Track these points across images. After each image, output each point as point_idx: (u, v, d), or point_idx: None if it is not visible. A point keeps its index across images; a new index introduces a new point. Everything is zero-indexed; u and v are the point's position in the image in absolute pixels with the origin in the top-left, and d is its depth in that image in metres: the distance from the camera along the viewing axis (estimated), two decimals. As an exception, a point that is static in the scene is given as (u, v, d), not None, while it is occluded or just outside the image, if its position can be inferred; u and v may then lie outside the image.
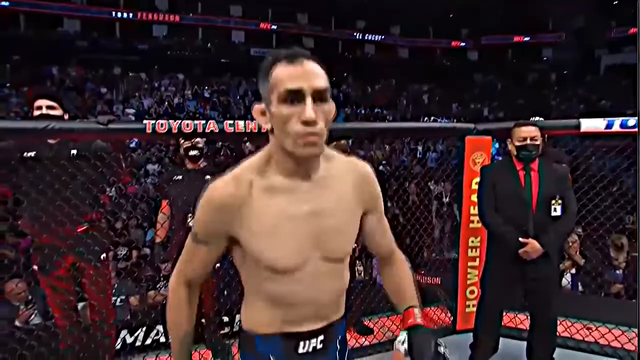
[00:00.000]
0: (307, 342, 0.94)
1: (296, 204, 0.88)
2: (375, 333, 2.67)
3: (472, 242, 2.59)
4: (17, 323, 2.98)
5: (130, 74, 17.74)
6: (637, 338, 1.85)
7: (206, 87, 17.37)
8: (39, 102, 2.00)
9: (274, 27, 22.29)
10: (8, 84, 14.27)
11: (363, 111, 18.04)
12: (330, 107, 0.85)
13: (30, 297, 3.15)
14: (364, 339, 2.61)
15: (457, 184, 2.64)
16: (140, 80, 17.48)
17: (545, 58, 23.92)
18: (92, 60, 17.74)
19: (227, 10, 21.73)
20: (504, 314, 2.36)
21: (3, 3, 18.06)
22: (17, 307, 3.06)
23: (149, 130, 1.88)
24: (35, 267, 2.06)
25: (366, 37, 24.56)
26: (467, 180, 2.55)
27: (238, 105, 16.39)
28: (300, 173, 0.88)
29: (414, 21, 23.61)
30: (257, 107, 0.88)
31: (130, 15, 20.33)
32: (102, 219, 2.19)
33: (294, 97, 0.80)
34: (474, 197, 2.43)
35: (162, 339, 2.65)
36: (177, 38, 20.90)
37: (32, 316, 3.04)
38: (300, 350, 0.94)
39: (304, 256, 0.89)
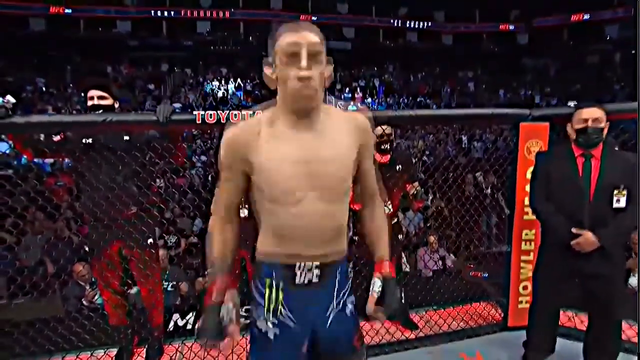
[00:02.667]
0: (304, 273, 1.09)
1: (297, 149, 1.04)
2: (421, 328, 2.61)
3: (526, 235, 2.44)
4: (84, 301, 3.24)
5: (177, 70, 18.44)
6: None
7: (248, 80, 17.70)
8: (91, 93, 2.15)
9: (314, 18, 22.24)
10: (70, 84, 15.33)
11: (405, 100, 17.63)
12: (326, 69, 1.02)
13: (93, 279, 3.40)
14: (410, 332, 2.56)
15: (510, 174, 2.50)
16: (186, 76, 18.14)
17: (608, 37, 21.88)
18: (142, 58, 18.63)
19: (267, 3, 21.93)
20: (563, 312, 2.21)
21: (67, 11, 19.40)
22: (83, 288, 3.33)
23: (199, 121, 1.93)
24: (92, 251, 2.21)
25: (408, 25, 23.89)
26: (522, 169, 2.40)
27: (279, 96, 16.60)
28: (301, 124, 1.05)
29: (459, 6, 22.64)
30: (266, 70, 1.05)
31: (174, 13, 21.06)
32: (152, 205, 2.29)
33: (292, 58, 0.97)
34: (528, 188, 2.29)
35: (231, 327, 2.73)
36: (220, 33, 21.42)
37: (96, 296, 3.28)
38: (298, 281, 1.09)
39: (300, 192, 1.04)
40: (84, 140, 2.09)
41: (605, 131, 1.89)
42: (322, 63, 1.01)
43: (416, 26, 23.92)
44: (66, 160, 2.11)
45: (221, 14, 21.55)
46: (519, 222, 2.43)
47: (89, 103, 2.15)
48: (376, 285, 1.17)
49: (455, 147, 11.66)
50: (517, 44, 23.82)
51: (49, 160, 7.74)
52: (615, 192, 1.80)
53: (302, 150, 1.04)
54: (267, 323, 1.11)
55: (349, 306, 1.18)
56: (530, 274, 2.41)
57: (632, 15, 19.82)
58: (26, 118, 1.80)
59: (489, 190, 5.83)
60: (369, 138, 1.15)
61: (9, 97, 1.77)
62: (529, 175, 2.32)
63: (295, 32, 0.99)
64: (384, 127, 2.48)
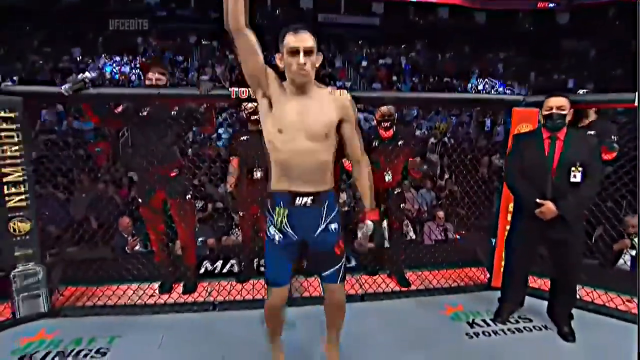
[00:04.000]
0: (301, 198, 1.65)
1: (295, 104, 1.61)
2: (416, 285, 3.00)
3: (511, 207, 2.76)
4: (127, 249, 3.78)
5: (204, 42, 18.74)
6: (637, 336, 1.98)
7: (274, 54, 17.85)
8: (149, 75, 2.59)
9: (343, -8, 21.85)
10: (103, 54, 15.95)
11: (432, 80, 17.44)
12: (316, 58, 1.59)
13: (134, 232, 3.93)
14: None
15: (503, 154, 2.79)
16: (213, 48, 18.43)
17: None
18: (170, 30, 18.98)
19: (296, -24, 21.70)
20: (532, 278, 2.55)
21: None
22: (126, 239, 3.86)
23: (233, 96, 2.31)
24: (139, 200, 2.68)
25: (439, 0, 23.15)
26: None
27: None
28: (299, 91, 1.62)
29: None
30: (277, 55, 1.64)
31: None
32: (186, 168, 2.74)
33: (293, 52, 1.56)
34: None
35: (235, 269, 3.23)
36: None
37: (137, 246, 3.82)
38: (296, 203, 1.65)
39: (294, 131, 1.59)
40: (140, 112, 2.53)
41: (569, 118, 2.19)
42: (314, 55, 1.58)
43: (448, 2, 23.17)
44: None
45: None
46: (506, 197, 2.75)
47: (147, 82, 2.58)
48: (368, 227, 1.79)
49: (477, 130, 11.69)
50: (556, 24, 22.75)
51: (90, 126, 8.38)
52: (573, 168, 2.12)
53: (299, 103, 1.62)
54: (275, 230, 1.69)
55: (333, 225, 1.73)
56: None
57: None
58: (98, 90, 2.24)
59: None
60: (349, 110, 1.68)
61: (88, 74, 2.21)
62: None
63: (296, 34, 1.56)
64: (386, 107, 2.85)
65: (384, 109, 2.88)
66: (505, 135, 2.76)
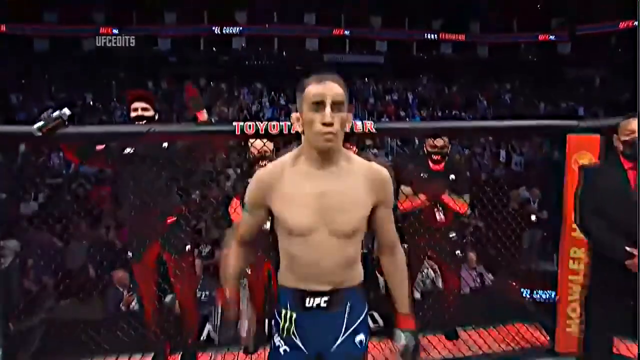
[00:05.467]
0: (312, 299, 1.21)
1: (314, 186, 1.16)
2: (458, 348, 2.50)
3: (574, 253, 2.30)
4: (122, 306, 3.34)
5: (212, 84, 19.07)
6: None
7: (281, 95, 18.02)
8: (135, 105, 2.26)
9: (346, 32, 22.43)
10: (115, 99, 16.23)
11: (439, 113, 17.33)
12: (346, 116, 1.14)
13: (131, 285, 3.51)
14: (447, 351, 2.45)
15: (556, 189, 2.37)
16: (221, 90, 18.70)
17: (659, 44, 20.65)
18: (181, 74, 19.41)
19: (301, 18, 22.37)
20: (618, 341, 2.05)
21: (114, 30, 20.63)
22: (121, 293, 3.44)
23: (238, 132, 1.96)
24: (130, 255, 2.27)
25: (442, 37, 23.61)
26: (570, 184, 2.27)
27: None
28: (321, 164, 1.17)
29: (495, 16, 22.18)
30: (293, 115, 1.20)
31: (212, 29, 21.88)
32: (189, 214, 2.35)
33: (318, 105, 1.11)
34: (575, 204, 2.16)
35: (244, 334, 2.74)
36: (254, 48, 22.01)
37: (134, 302, 3.38)
38: (307, 305, 1.21)
39: (312, 225, 1.16)
40: (126, 150, 2.18)
41: None
42: (343, 111, 1.13)
43: (450, 38, 23.59)
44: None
45: (255, 30, 22.14)
46: (567, 239, 2.29)
47: (133, 114, 2.25)
48: (401, 338, 1.28)
49: (492, 160, 11.30)
50: (558, 54, 22.94)
51: (94, 169, 8.16)
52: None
53: (319, 187, 1.16)
54: (280, 339, 1.26)
55: (360, 336, 1.26)
56: (578, 296, 2.26)
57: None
58: (78, 129, 1.90)
59: (535, 205, 5.58)
60: (387, 193, 1.24)
61: (65, 110, 1.87)
62: (577, 190, 2.19)
63: (322, 83, 1.13)
64: (436, 139, 2.54)
65: (431, 141, 2.60)
66: (561, 167, 2.33)
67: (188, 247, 2.32)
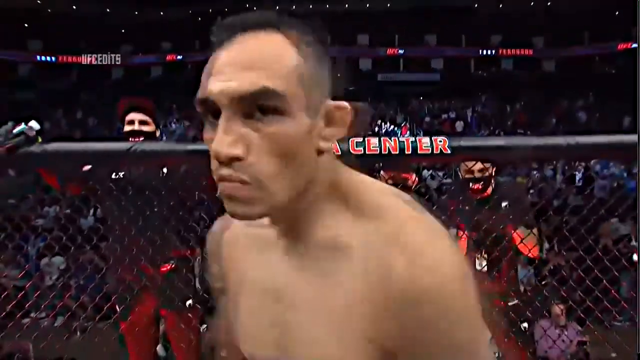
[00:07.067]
0: None
1: (271, 270, 0.54)
2: None
3: None
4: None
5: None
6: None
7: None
8: (130, 116, 1.79)
9: (400, 51, 22.01)
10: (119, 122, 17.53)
11: (502, 133, 16.09)
12: (289, 127, 0.43)
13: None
14: None
15: None
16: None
17: None
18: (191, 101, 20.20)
19: (354, 39, 22.26)
20: None
21: (178, 57, 21.79)
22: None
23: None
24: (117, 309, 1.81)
25: (502, 52, 22.33)
26: None
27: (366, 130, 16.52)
28: (283, 230, 0.53)
29: (562, 28, 20.57)
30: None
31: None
32: (192, 256, 1.85)
33: (209, 111, 0.45)
34: None
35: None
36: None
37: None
38: None
39: (261, 351, 0.55)
40: (113, 175, 1.74)
41: None
42: (285, 116, 0.43)
43: (511, 54, 22.21)
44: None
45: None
46: None
47: (127, 128, 1.80)
48: None
49: (567, 184, 9.95)
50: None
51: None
52: None
53: (277, 271, 0.53)
54: None
55: None
56: None
57: None
58: (43, 146, 1.47)
59: (634, 242, 4.53)
60: (428, 330, 0.43)
61: (33, 123, 1.46)
62: None
63: (225, 49, 0.44)
64: (473, 163, 1.84)
65: (470, 163, 1.86)
66: None
67: (189, 301, 1.82)
